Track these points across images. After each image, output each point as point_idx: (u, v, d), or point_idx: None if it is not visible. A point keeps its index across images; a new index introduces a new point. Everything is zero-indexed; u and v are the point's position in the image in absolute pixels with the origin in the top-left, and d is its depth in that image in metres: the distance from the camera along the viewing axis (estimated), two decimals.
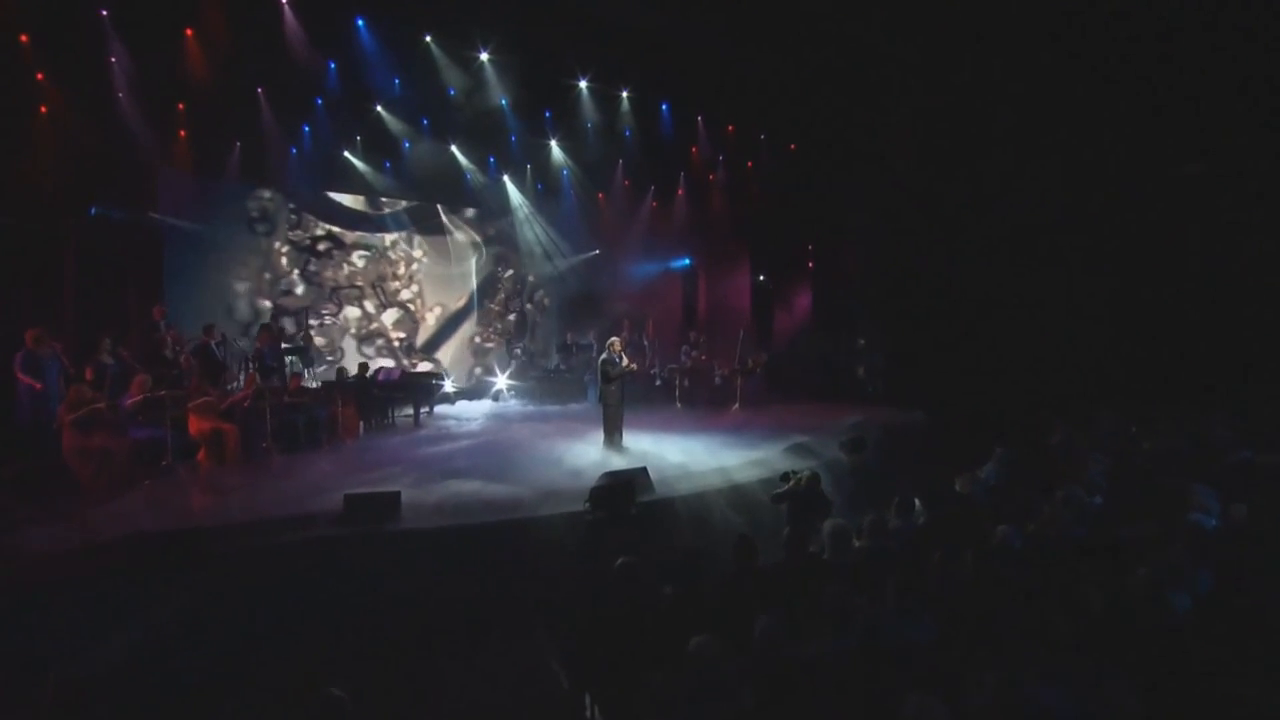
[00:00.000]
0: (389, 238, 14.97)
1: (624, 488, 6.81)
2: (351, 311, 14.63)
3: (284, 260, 13.95)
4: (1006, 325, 12.47)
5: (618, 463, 8.37)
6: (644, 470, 7.44)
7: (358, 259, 14.69)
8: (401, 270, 15.25)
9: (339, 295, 14.49)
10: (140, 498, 6.57)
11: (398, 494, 6.37)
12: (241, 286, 13.46)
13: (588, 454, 8.90)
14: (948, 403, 11.81)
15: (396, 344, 15.15)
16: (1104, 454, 7.90)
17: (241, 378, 10.41)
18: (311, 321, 12.68)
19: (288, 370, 12.32)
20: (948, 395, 12.12)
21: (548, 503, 6.81)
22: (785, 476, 7.56)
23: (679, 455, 8.93)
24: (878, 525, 5.82)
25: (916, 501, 6.68)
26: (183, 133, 11.83)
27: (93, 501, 6.56)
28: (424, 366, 15.09)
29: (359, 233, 14.67)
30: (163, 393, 7.62)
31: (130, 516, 5.95)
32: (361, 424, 10.99)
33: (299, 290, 14.02)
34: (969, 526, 6.10)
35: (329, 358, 13.93)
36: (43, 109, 10.32)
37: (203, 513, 6.21)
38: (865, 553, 5.58)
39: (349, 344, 14.57)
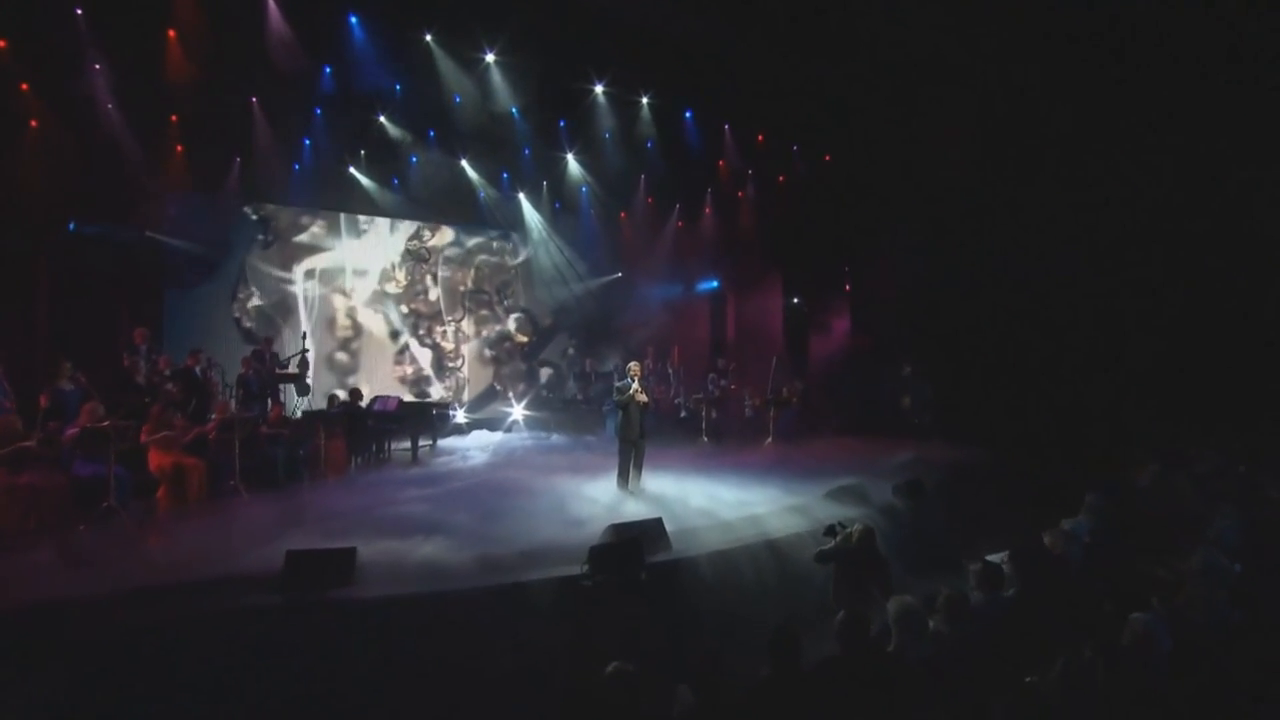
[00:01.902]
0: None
1: (632, 546, 5.56)
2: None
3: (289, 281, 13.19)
4: (1075, 348, 11.04)
5: (631, 509, 7.14)
6: (658, 522, 6.19)
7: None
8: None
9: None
10: (47, 551, 5.50)
11: (352, 551, 5.20)
12: (243, 308, 12.70)
13: (598, 498, 7.67)
14: (1011, 438, 10.39)
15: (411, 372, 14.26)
16: (1229, 503, 6.47)
17: (233, 406, 9.46)
18: (307, 345, 11.75)
19: (283, 400, 11.50)
20: (1009, 429, 10.71)
21: (539, 562, 5.59)
22: (832, 530, 6.27)
23: (703, 500, 7.66)
24: (957, 604, 4.47)
25: (1003, 566, 5.31)
26: (180, 148, 11.16)
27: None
28: (439, 393, 14.28)
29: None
30: (105, 423, 6.61)
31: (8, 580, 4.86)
32: (354, 459, 9.99)
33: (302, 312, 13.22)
34: (1079, 604, 4.74)
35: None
36: (32, 123, 9.75)
37: (103, 574, 5.11)
38: (944, 641, 4.24)
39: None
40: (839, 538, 6.18)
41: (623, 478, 8.07)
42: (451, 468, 9.88)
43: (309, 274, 13.40)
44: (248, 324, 12.78)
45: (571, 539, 6.01)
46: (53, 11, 8.55)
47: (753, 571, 6.05)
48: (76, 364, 8.29)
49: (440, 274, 14.70)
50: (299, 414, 10.24)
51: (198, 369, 9.46)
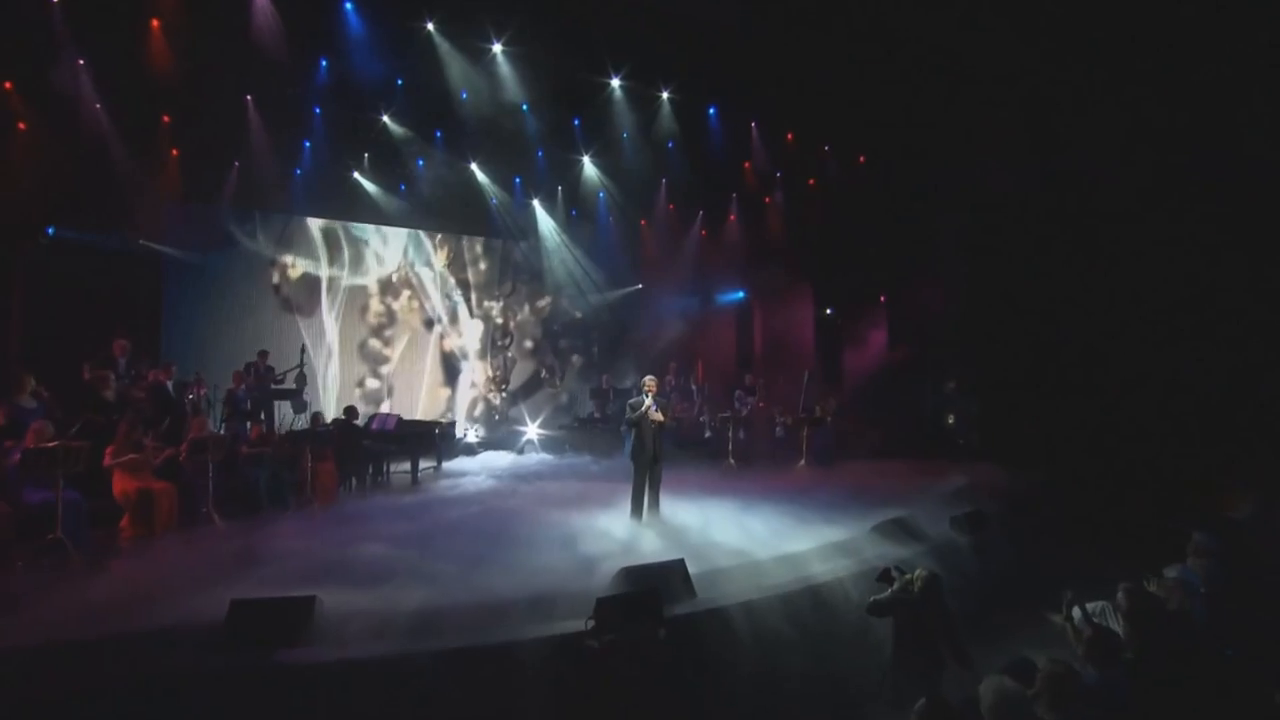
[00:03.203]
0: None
1: (648, 596, 4.60)
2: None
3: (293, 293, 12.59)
4: (1143, 361, 9.87)
5: (648, 546, 6.19)
6: (680, 564, 5.22)
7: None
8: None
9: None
10: None
11: (310, 601, 4.31)
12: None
13: (612, 531, 6.72)
14: (1072, 462, 9.28)
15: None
16: None
17: (210, 424, 8.72)
18: (305, 360, 11.01)
19: (278, 418, 10.79)
20: (1068, 452, 9.60)
21: (537, 614, 4.65)
22: (888, 575, 5.24)
23: (732, 534, 6.67)
24: (1062, 683, 3.46)
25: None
26: (175, 151, 10.59)
27: None
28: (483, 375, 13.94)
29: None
30: (53, 443, 5.84)
31: None
32: (352, 480, 9.19)
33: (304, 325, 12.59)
34: (1215, 678, 3.73)
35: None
36: (20, 125, 9.22)
37: (24, 623, 4.29)
38: None
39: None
40: (896, 585, 5.15)
41: (637, 507, 7.13)
42: (452, 494, 9.01)
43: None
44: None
45: (577, 584, 5.06)
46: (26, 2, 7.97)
47: (794, 626, 5.04)
48: (52, 379, 7.67)
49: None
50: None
51: (170, 383, 8.71)
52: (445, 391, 14.01)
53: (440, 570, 5.41)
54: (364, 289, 13.35)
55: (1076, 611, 5.06)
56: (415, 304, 13.77)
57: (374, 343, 13.42)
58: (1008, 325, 11.21)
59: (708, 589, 5.28)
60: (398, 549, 6.00)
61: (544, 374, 14.90)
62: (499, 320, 14.61)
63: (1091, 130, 9.84)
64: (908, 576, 5.17)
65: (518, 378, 14.66)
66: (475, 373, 14.35)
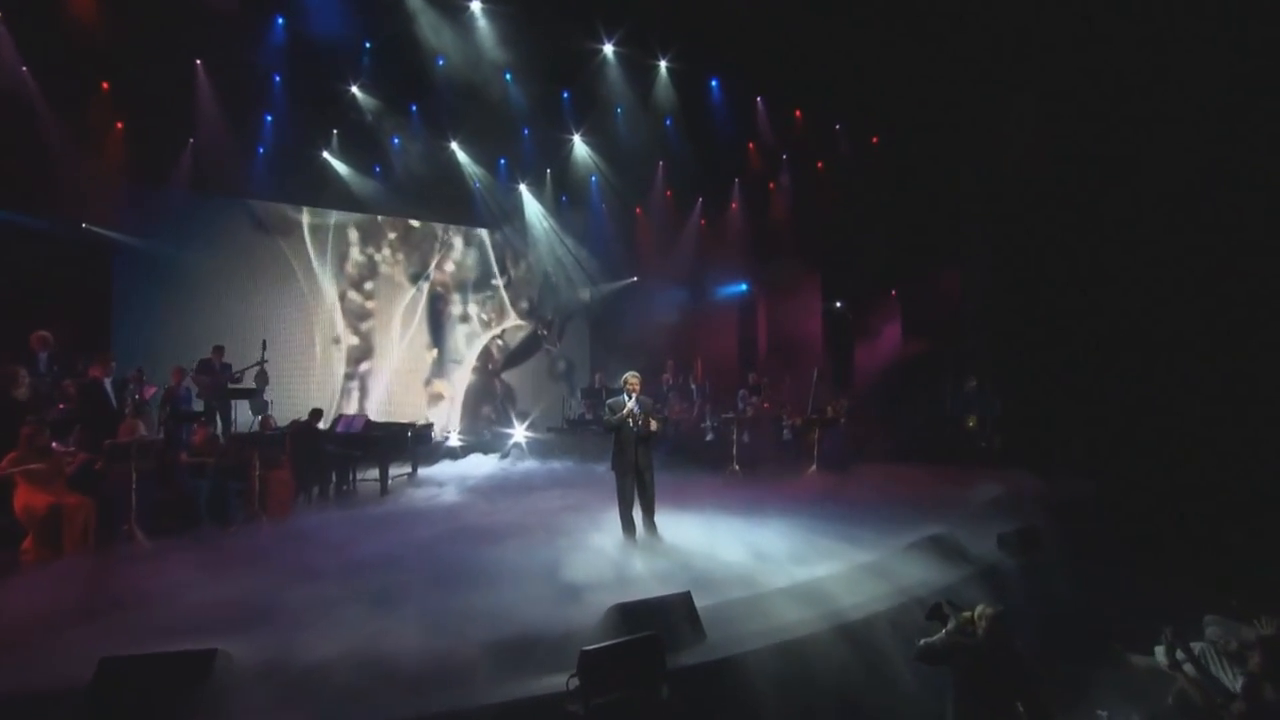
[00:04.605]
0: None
1: (646, 645, 3.61)
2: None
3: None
4: (1192, 352, 8.95)
5: (643, 572, 5.20)
6: (686, 599, 4.24)
7: None
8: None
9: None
10: None
11: (210, 656, 3.32)
12: (200, 314, 11.04)
13: (602, 552, 5.72)
14: (1122, 469, 8.37)
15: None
16: None
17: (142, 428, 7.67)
18: (266, 356, 9.98)
19: (233, 418, 9.79)
20: (1113, 456, 8.69)
21: (507, 667, 3.67)
22: (939, 612, 4.28)
23: (742, 555, 5.68)
24: None
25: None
26: (120, 124, 9.57)
27: None
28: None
29: None
30: None
31: None
32: (313, 491, 8.20)
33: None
34: None
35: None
36: None
37: None
38: None
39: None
40: (951, 624, 4.19)
41: (627, 524, 6.12)
42: (424, 506, 8.02)
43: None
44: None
45: (558, 626, 4.07)
46: None
47: (827, 677, 4.06)
48: None
49: None
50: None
51: (108, 381, 7.67)
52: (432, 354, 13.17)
53: (393, 604, 4.42)
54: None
55: (1179, 654, 4.13)
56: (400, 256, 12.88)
57: (353, 295, 12.47)
58: (1036, 317, 10.27)
59: (718, 629, 4.31)
60: (345, 578, 5.00)
61: (542, 331, 14.06)
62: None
63: (1137, 94, 8.90)
64: (966, 614, 4.21)
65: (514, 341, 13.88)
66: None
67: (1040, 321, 10.12)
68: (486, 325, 13.66)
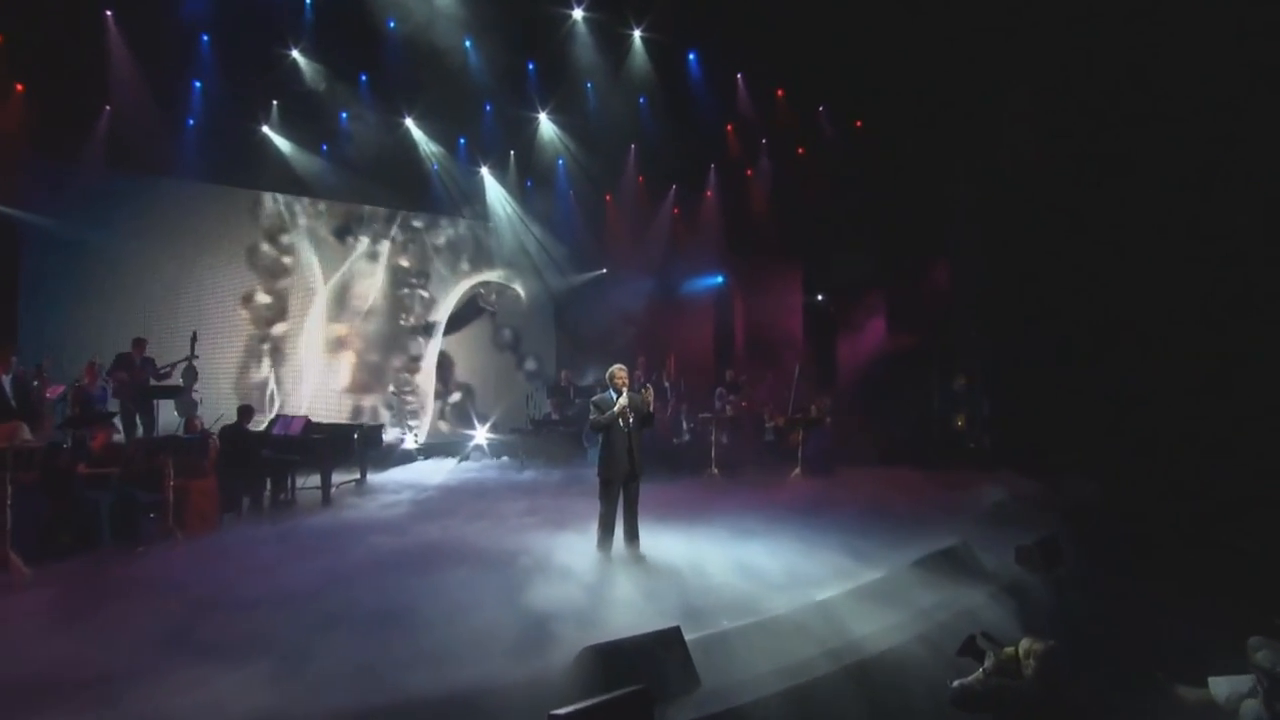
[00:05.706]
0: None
1: (631, 702, 2.85)
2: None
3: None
4: (1193, 346, 8.54)
5: (623, 598, 4.43)
6: (675, 636, 3.49)
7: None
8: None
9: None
10: None
11: None
12: (119, 304, 9.89)
13: (573, 573, 4.93)
14: (1111, 469, 7.91)
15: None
16: None
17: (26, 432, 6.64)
18: (197, 352, 8.94)
19: (156, 421, 8.79)
20: (1113, 456, 8.23)
21: None
22: (973, 647, 3.61)
23: (732, 575, 4.97)
24: None
25: None
26: (20, 86, 8.48)
27: None
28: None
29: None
30: None
31: None
32: (244, 502, 7.24)
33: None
34: None
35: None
36: None
37: None
38: None
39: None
40: (989, 662, 3.53)
41: (605, 538, 5.37)
42: (370, 517, 7.11)
43: None
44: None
45: (519, 672, 3.30)
46: None
47: None
48: None
49: None
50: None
51: (6, 377, 6.66)
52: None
53: (317, 650, 3.57)
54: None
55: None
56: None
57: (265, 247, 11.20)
58: (1028, 312, 9.77)
59: (714, 670, 3.59)
60: (265, 611, 4.13)
61: (482, 302, 13.13)
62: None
63: (1139, 84, 8.43)
64: (1008, 650, 3.55)
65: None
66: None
67: (1034, 317, 9.63)
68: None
